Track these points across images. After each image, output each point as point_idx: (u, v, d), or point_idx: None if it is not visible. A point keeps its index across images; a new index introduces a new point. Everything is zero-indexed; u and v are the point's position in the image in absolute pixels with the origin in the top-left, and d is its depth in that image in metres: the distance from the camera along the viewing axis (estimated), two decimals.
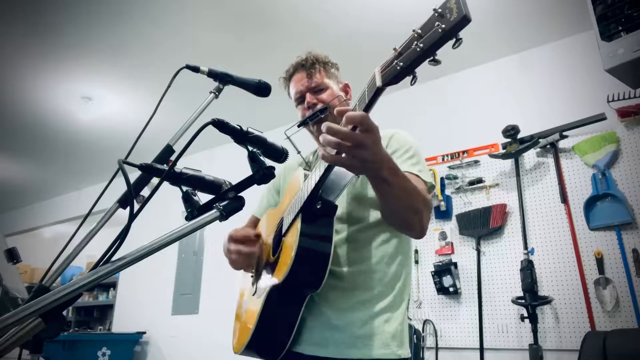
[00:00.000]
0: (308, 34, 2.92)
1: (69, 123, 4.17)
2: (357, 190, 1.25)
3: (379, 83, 0.78)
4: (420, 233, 1.11)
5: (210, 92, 1.30)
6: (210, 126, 0.78)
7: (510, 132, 2.79)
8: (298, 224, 1.09)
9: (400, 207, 1.05)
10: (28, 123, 4.22)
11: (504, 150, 2.85)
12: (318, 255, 1.08)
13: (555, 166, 2.72)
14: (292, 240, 1.09)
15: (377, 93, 0.80)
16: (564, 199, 2.65)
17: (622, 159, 2.55)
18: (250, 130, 0.83)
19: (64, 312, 0.67)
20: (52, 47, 3.11)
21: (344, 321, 1.15)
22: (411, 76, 0.75)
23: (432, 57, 0.71)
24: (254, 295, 1.29)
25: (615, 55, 1.96)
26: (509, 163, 2.90)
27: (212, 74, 1.30)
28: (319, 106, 1.33)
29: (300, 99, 1.38)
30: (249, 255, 1.25)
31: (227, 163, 3.13)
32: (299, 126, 1.35)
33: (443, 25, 0.67)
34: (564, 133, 2.70)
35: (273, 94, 1.36)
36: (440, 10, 0.68)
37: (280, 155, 0.85)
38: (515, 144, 2.79)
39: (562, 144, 2.73)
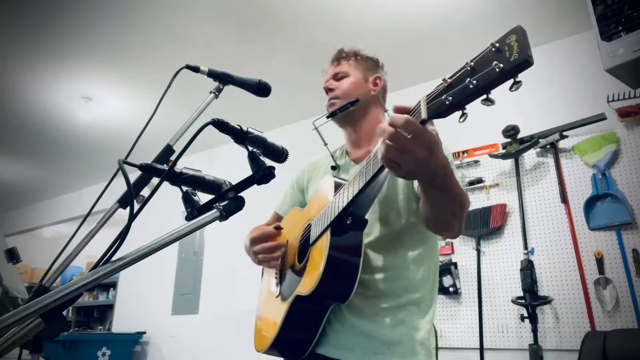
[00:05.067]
0: (307, 33, 2.92)
1: (69, 123, 4.17)
2: (385, 194, 1.21)
3: (424, 115, 0.72)
4: (457, 235, 1.08)
5: (210, 92, 1.29)
6: (210, 126, 0.78)
7: (510, 132, 2.79)
8: (327, 238, 1.07)
9: (447, 213, 1.00)
10: (28, 123, 4.22)
11: (504, 150, 2.85)
12: (346, 271, 1.06)
13: (555, 166, 2.71)
14: (320, 254, 1.08)
15: (421, 124, 0.74)
16: (564, 199, 2.65)
17: (622, 159, 2.55)
18: (250, 130, 0.82)
19: (64, 312, 0.67)
20: (52, 47, 3.11)
21: (370, 327, 1.13)
22: (461, 112, 0.69)
23: (485, 96, 0.66)
24: (277, 297, 1.29)
25: (615, 55, 1.96)
26: (509, 163, 2.90)
27: (212, 74, 1.29)
28: (337, 92, 1.33)
29: (325, 89, 1.38)
30: (274, 248, 1.24)
31: (227, 163, 3.13)
32: (328, 117, 1.33)
33: (502, 65, 0.61)
34: (564, 133, 2.70)
35: (273, 94, 1.36)
36: (498, 45, 0.63)
37: (280, 155, 0.85)
38: (515, 144, 2.79)
39: (562, 144, 2.72)
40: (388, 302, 1.15)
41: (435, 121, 0.77)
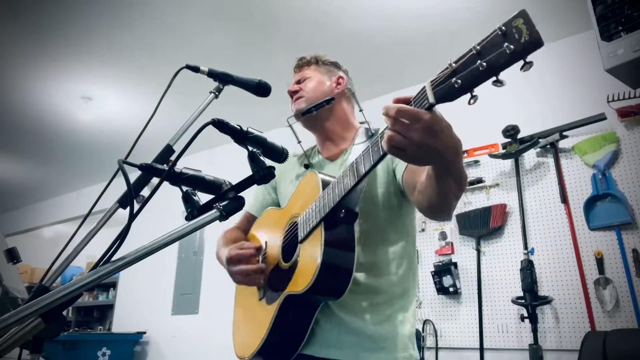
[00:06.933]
0: (307, 34, 2.92)
1: (69, 123, 4.17)
2: (366, 188, 1.21)
3: (431, 100, 0.71)
4: (450, 217, 1.04)
5: (210, 92, 1.29)
6: (210, 126, 0.78)
7: (510, 132, 2.79)
8: (321, 233, 1.07)
9: (451, 196, 0.94)
10: (28, 123, 4.21)
11: (504, 150, 2.85)
12: (342, 265, 1.06)
13: (555, 166, 2.71)
14: (314, 249, 1.07)
15: (428, 110, 0.73)
16: (564, 199, 2.65)
17: (622, 159, 2.55)
18: (250, 130, 0.82)
19: (64, 312, 0.67)
20: (52, 47, 3.11)
21: (358, 324, 1.13)
22: (470, 94, 0.69)
23: (495, 78, 0.66)
24: (261, 300, 1.27)
25: (615, 55, 1.96)
26: (509, 163, 2.90)
27: (212, 74, 1.29)
28: (302, 92, 1.36)
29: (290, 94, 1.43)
30: (256, 272, 1.22)
31: (227, 163, 3.13)
32: (303, 114, 1.34)
33: (512, 47, 0.62)
34: (564, 133, 2.70)
35: (273, 94, 1.36)
36: (504, 29, 0.63)
37: (280, 155, 0.85)
38: (515, 144, 2.79)
39: (562, 144, 2.72)
40: (376, 298, 1.16)
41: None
